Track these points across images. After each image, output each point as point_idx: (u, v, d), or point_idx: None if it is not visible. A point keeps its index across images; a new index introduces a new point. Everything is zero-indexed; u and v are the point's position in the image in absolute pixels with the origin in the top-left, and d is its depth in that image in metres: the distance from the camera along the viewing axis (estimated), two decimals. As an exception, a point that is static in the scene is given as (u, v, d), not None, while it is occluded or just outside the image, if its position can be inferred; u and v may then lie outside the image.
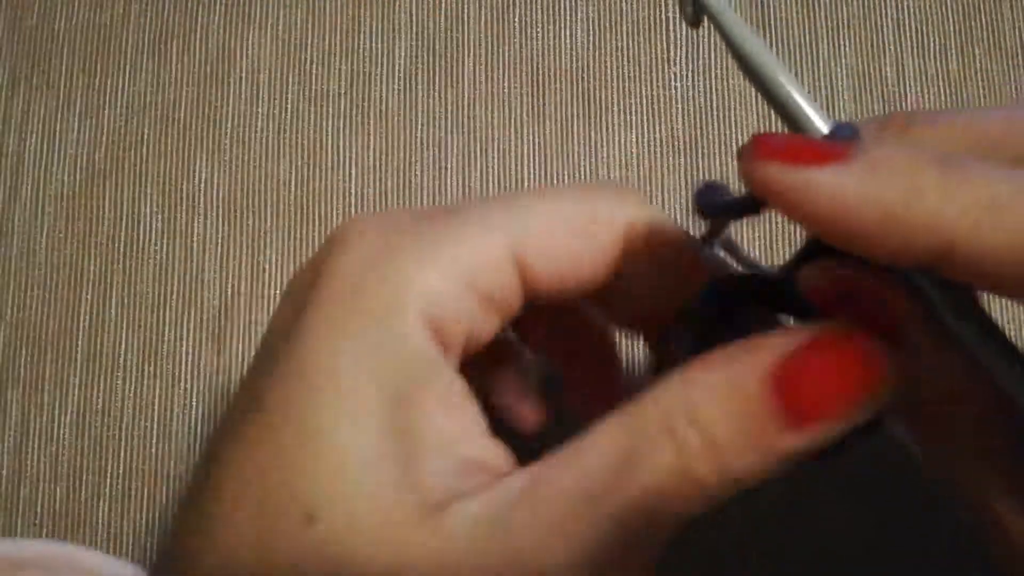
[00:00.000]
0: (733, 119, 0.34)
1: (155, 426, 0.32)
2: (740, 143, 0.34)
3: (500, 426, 0.22)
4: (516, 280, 0.20)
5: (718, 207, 0.21)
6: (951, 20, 0.35)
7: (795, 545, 0.30)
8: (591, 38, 0.36)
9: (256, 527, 0.16)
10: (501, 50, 0.36)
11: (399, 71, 0.36)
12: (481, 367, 0.22)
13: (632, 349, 0.31)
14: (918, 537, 0.30)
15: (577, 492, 0.16)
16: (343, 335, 0.17)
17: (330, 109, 0.35)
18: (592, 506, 0.16)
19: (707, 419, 0.16)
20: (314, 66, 0.36)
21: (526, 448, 0.19)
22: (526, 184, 0.34)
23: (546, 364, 0.27)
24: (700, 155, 0.34)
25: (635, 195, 0.21)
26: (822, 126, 0.18)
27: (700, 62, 0.35)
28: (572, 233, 0.20)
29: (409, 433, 0.17)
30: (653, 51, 0.35)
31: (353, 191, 0.34)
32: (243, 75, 0.36)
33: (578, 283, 0.20)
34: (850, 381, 0.16)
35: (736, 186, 0.20)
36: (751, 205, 0.20)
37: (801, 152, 0.15)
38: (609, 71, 0.35)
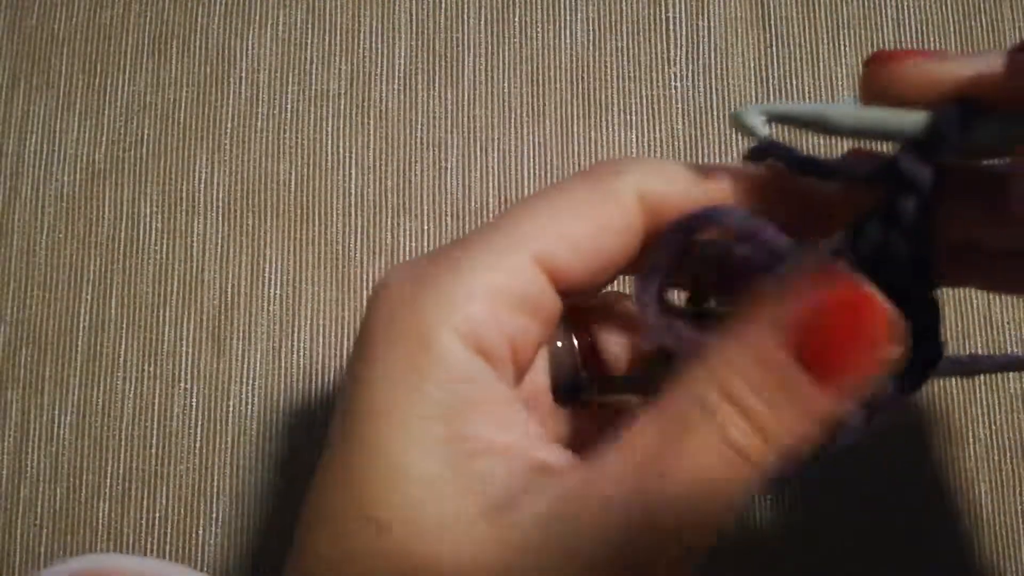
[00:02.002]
0: (733, 119, 0.34)
1: (155, 426, 0.32)
2: (740, 143, 0.34)
3: (576, 439, 0.22)
4: (547, 285, 0.20)
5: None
6: (951, 20, 0.35)
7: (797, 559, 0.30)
8: (591, 38, 0.36)
9: (336, 545, 0.19)
10: (501, 50, 0.36)
11: (399, 71, 0.36)
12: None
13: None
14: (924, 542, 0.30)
15: (626, 486, 0.17)
16: (390, 371, 0.19)
17: (330, 109, 0.35)
18: (641, 497, 0.17)
19: (740, 394, 0.17)
20: (314, 66, 0.36)
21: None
22: (526, 184, 0.34)
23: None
24: (700, 155, 0.34)
25: (636, 163, 0.21)
26: (919, 119, 0.19)
27: (700, 62, 0.35)
28: (588, 225, 0.20)
29: (463, 445, 0.19)
30: (653, 51, 0.35)
31: (353, 191, 0.34)
32: (243, 75, 0.36)
33: (608, 269, 0.21)
34: (868, 332, 0.17)
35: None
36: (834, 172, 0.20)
37: (910, 52, 0.20)
38: (609, 71, 0.35)
